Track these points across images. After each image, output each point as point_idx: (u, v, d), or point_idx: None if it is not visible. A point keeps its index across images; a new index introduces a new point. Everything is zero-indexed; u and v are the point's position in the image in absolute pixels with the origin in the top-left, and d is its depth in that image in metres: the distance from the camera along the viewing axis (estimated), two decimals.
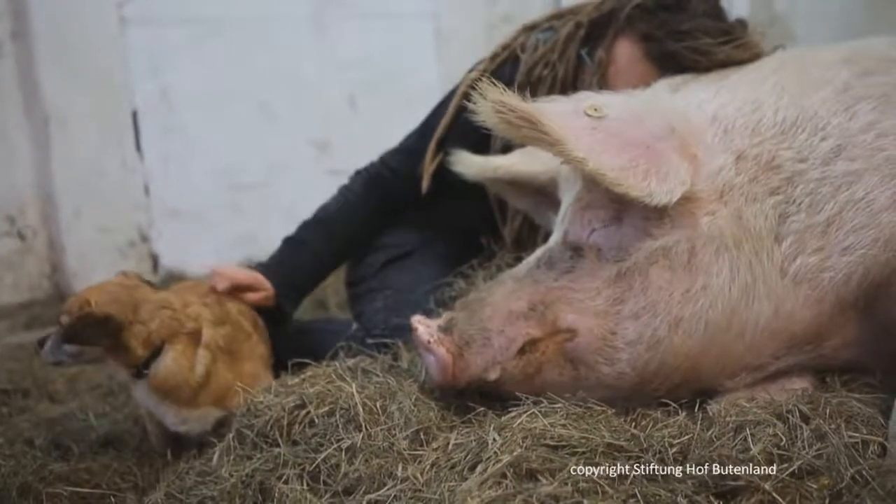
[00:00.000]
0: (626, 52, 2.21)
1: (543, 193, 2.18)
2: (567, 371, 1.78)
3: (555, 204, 2.07)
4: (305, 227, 2.49)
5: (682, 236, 1.75)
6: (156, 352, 1.94)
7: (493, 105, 1.67)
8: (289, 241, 2.47)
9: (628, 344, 1.74)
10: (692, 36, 2.08)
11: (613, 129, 1.73)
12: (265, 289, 2.30)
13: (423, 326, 1.83)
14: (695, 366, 1.75)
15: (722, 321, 1.73)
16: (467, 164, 2.24)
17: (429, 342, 1.79)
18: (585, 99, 1.81)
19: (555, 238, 1.93)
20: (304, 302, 3.20)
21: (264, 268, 2.37)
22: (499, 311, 1.81)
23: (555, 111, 1.73)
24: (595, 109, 1.76)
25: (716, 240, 1.74)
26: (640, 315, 1.73)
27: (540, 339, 1.78)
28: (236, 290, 2.24)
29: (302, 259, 2.42)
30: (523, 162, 2.18)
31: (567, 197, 1.96)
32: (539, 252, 1.94)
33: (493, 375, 1.77)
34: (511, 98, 1.68)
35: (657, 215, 1.75)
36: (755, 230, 1.74)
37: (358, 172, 2.58)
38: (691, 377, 1.76)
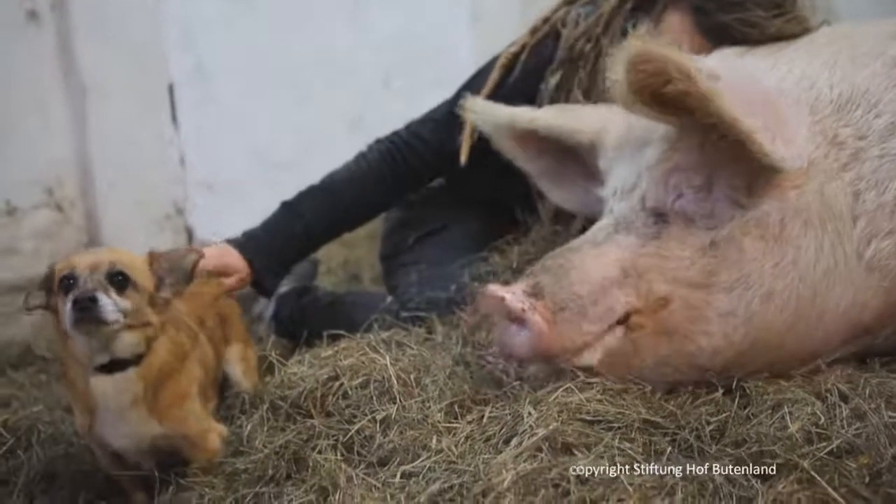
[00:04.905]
0: (675, 24, 2.14)
1: (571, 155, 2.06)
2: (663, 346, 1.68)
3: (582, 167, 2.00)
4: (307, 193, 2.42)
5: (772, 207, 1.69)
6: None
7: (641, 54, 1.54)
8: (285, 207, 2.40)
9: (722, 316, 1.67)
10: (744, 8, 2.03)
11: (736, 90, 1.62)
12: (237, 271, 2.23)
13: (510, 294, 1.66)
14: (782, 344, 1.70)
15: (808, 298, 1.67)
16: (491, 112, 2.11)
17: (522, 310, 1.64)
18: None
19: (622, 206, 1.82)
20: (338, 275, 3.22)
21: (247, 239, 2.31)
22: (589, 277, 1.69)
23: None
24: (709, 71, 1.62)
25: (803, 213, 1.68)
26: (734, 287, 1.67)
27: (639, 309, 1.68)
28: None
29: (293, 229, 2.35)
30: (562, 117, 2.06)
31: (628, 163, 1.85)
32: (609, 219, 1.83)
33: (590, 358, 1.67)
34: (664, 47, 1.56)
35: (745, 184, 1.69)
36: (836, 209, 1.69)
37: (379, 140, 2.50)
38: (775, 359, 1.70)
